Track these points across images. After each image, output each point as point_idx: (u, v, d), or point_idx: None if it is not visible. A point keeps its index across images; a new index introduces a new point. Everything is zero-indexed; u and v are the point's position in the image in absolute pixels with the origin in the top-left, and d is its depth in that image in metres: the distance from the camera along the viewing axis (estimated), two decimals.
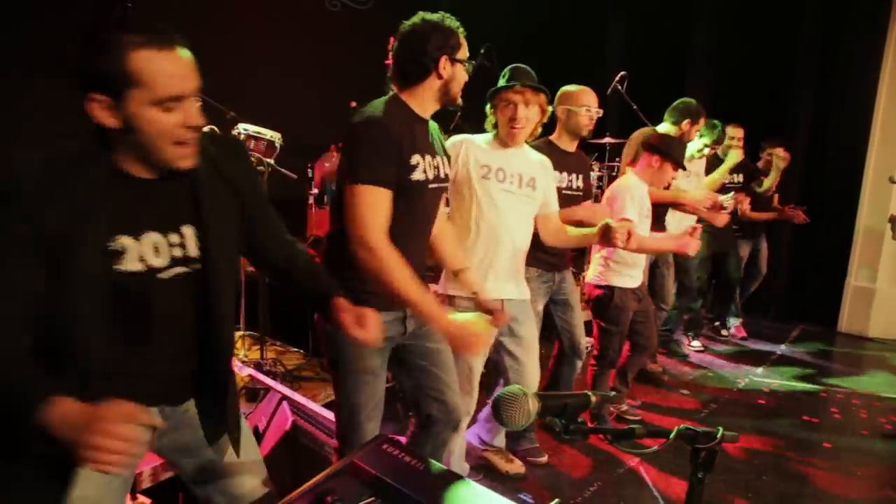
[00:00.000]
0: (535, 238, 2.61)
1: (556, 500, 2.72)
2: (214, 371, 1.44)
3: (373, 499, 1.25)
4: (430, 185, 1.98)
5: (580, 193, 3.02)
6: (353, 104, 3.93)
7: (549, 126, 2.68)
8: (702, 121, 3.99)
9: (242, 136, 3.41)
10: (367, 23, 5.14)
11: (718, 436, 1.10)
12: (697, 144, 4.31)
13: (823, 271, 5.84)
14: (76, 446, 1.03)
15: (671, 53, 6.27)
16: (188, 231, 1.31)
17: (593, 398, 1.20)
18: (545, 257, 2.82)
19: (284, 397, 2.40)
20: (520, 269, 2.54)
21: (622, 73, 4.18)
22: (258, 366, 3.18)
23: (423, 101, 1.97)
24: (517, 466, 2.93)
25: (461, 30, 1.97)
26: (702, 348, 4.97)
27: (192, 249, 1.32)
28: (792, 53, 5.84)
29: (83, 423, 1.04)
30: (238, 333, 3.59)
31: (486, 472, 2.93)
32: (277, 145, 3.55)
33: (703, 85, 6.05)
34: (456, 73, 1.95)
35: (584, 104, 2.86)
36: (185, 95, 1.18)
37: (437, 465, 1.39)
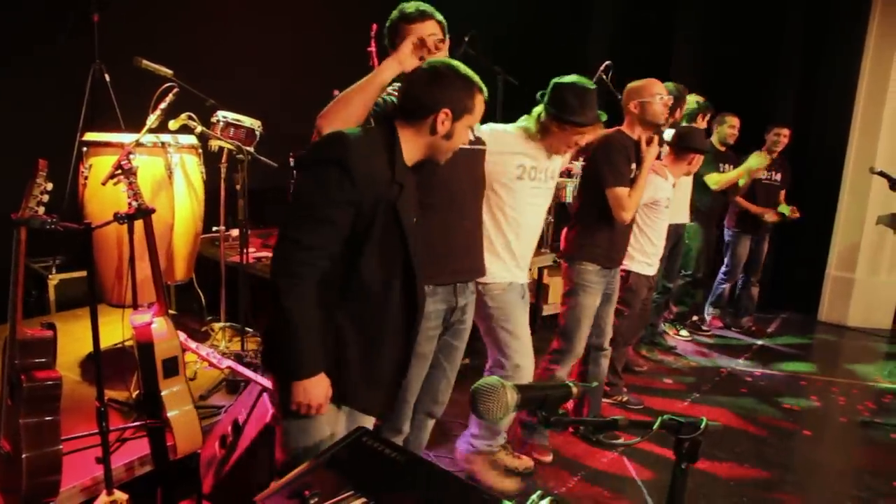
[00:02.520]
0: (593, 233, 2.89)
1: (539, 491, 2.70)
2: None
3: (352, 492, 1.23)
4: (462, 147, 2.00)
5: None
6: (336, 92, 3.85)
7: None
8: (684, 104, 4.03)
9: (221, 124, 3.33)
10: (348, 10, 5.06)
11: (702, 426, 1.09)
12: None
13: (804, 261, 5.89)
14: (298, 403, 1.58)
15: (656, 45, 6.25)
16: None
17: (574, 389, 1.18)
18: (607, 253, 2.93)
19: (265, 389, 2.37)
20: (531, 255, 2.65)
21: (607, 62, 4.14)
22: (238, 357, 3.13)
23: None
24: (525, 462, 2.85)
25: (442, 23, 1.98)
26: (689, 338, 5.01)
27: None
28: (775, 48, 5.86)
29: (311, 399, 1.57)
30: (218, 325, 3.54)
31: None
32: (257, 133, 3.47)
33: (688, 78, 6.02)
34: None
35: (656, 93, 2.90)
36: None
37: (416, 456, 1.37)
